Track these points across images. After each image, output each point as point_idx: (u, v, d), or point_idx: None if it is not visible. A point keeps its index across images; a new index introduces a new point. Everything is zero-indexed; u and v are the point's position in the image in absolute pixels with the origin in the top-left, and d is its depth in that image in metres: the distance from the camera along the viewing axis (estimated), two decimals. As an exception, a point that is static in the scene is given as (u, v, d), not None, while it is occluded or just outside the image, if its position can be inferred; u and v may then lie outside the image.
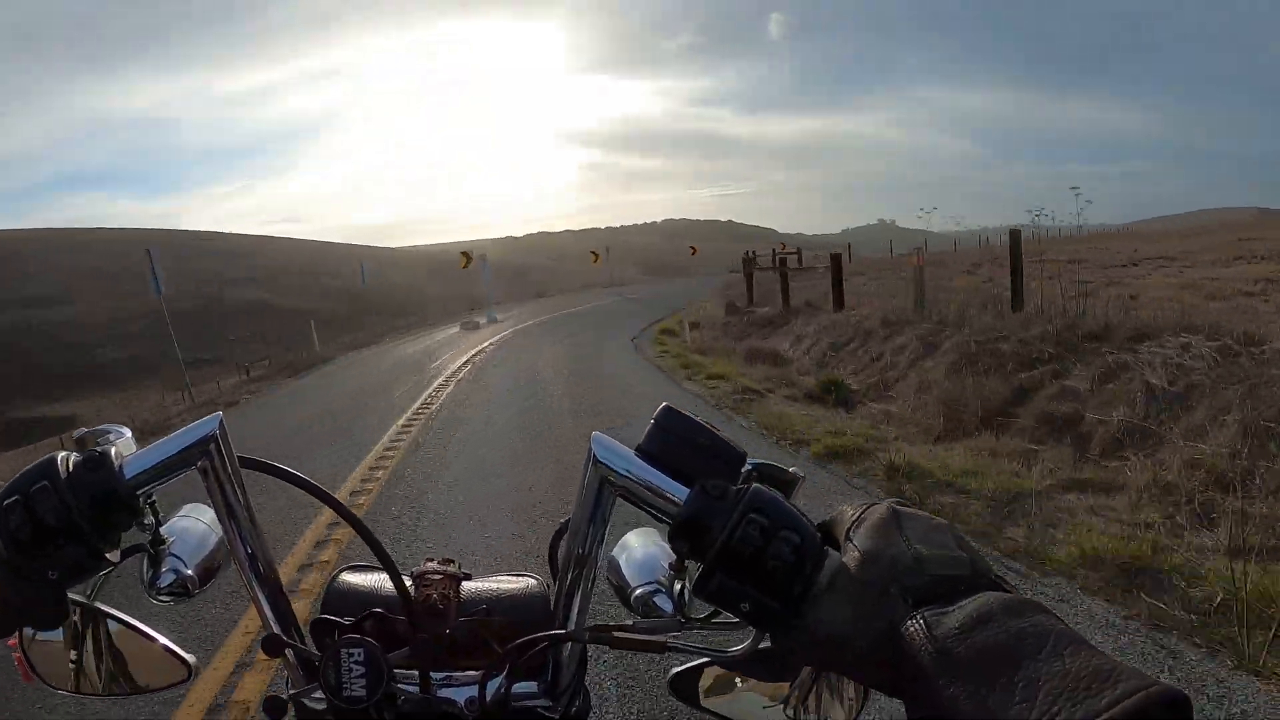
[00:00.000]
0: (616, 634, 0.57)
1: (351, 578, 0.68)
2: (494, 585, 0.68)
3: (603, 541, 0.60)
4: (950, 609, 0.41)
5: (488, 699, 0.59)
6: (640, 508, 0.56)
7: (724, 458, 0.54)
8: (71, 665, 0.64)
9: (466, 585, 0.66)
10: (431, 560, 0.67)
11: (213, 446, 0.57)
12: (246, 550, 0.60)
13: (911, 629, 0.41)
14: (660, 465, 0.54)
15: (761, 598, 0.48)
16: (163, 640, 0.63)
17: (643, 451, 0.55)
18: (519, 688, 0.61)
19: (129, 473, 0.55)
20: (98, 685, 0.66)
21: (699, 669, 0.64)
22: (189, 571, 0.60)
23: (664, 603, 0.60)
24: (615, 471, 0.55)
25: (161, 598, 0.60)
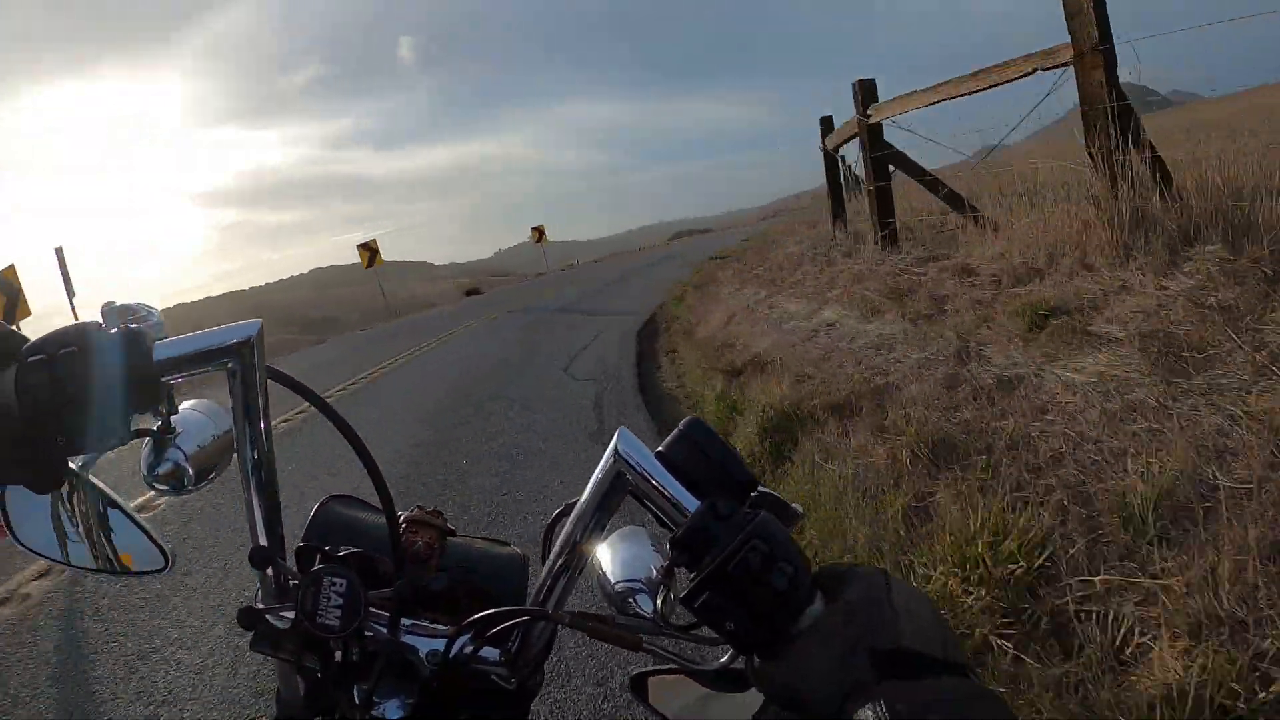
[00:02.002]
0: (596, 624, 0.57)
1: (338, 508, 0.70)
2: (477, 546, 0.70)
3: (602, 531, 0.60)
4: (918, 683, 0.41)
5: (450, 656, 0.60)
6: (645, 507, 0.56)
7: (737, 479, 0.55)
8: (53, 532, 0.64)
9: (451, 540, 0.69)
10: (420, 508, 0.70)
11: (247, 350, 0.58)
12: (254, 457, 0.61)
13: (874, 692, 0.41)
14: (676, 473, 0.55)
15: (747, 622, 0.48)
16: (146, 527, 0.63)
17: (663, 456, 0.56)
18: (481, 652, 0.61)
19: (158, 356, 0.55)
20: (78, 558, 0.65)
21: (662, 675, 0.65)
22: (187, 466, 0.60)
23: (644, 603, 0.60)
24: (633, 468, 0.55)
25: (158, 485, 0.60)
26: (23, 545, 0.63)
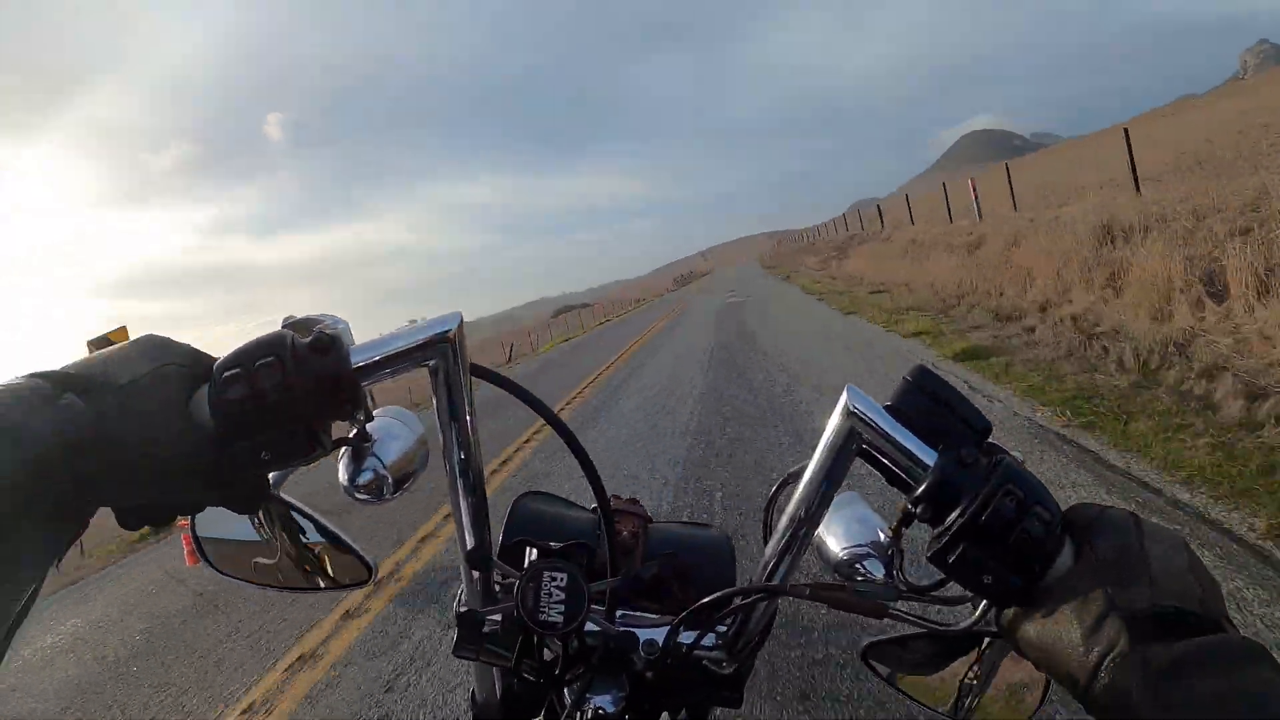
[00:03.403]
0: (836, 594, 0.55)
1: (534, 504, 0.69)
2: (680, 530, 0.70)
3: (831, 499, 0.56)
4: (1173, 646, 0.39)
5: (670, 645, 0.59)
6: (878, 467, 0.54)
7: (972, 425, 0.52)
8: (246, 553, 0.62)
9: (653, 527, 0.68)
10: (617, 497, 0.68)
11: (449, 346, 0.54)
12: (460, 457, 0.59)
13: (1129, 658, 0.39)
14: (910, 425, 0.52)
15: (1004, 573, 0.46)
16: (346, 540, 0.62)
17: (893, 409, 0.52)
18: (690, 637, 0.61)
19: (355, 361, 0.52)
20: (276, 577, 0.63)
21: (901, 641, 0.62)
22: (387, 474, 0.57)
23: (874, 567, 0.59)
24: (867, 425, 0.52)
25: (359, 495, 0.58)
26: (218, 570, 0.62)
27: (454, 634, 0.62)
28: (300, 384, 0.49)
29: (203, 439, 0.48)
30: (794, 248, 55.43)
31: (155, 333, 0.52)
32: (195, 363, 0.51)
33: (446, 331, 0.54)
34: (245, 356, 0.49)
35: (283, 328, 0.55)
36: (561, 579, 0.57)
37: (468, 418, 0.58)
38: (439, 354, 0.55)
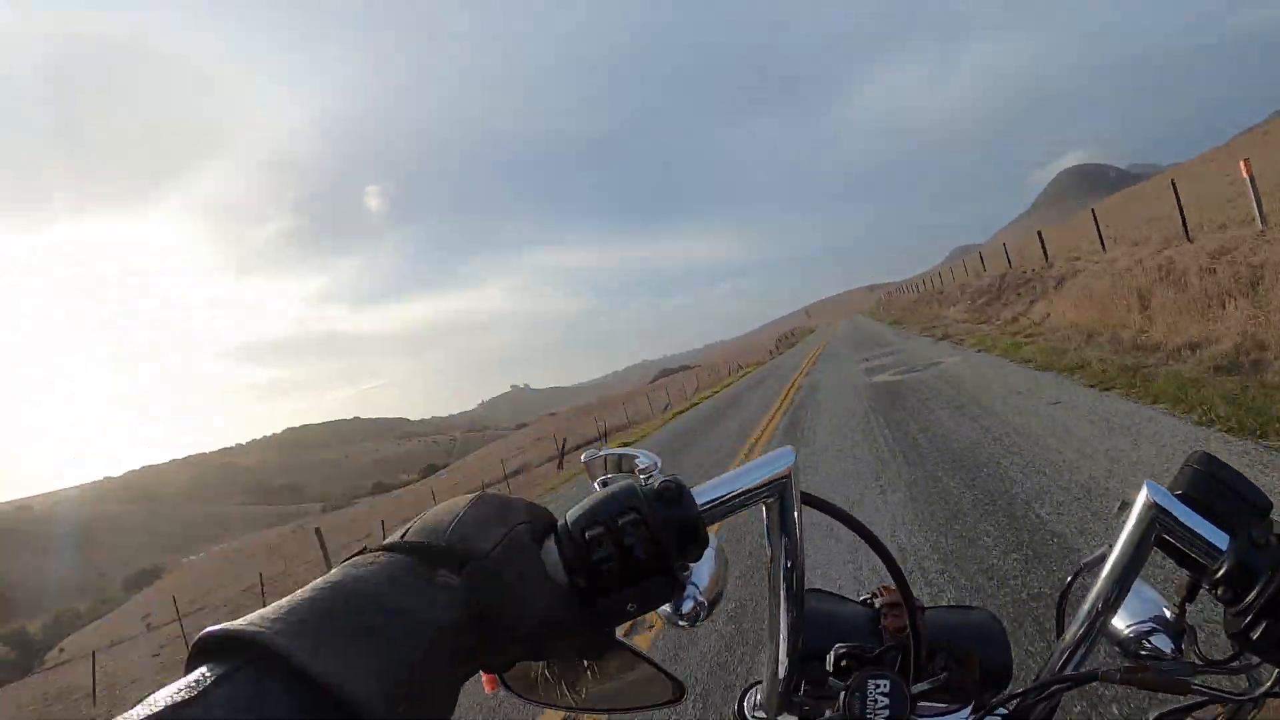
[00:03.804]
0: (1143, 675, 0.56)
1: (812, 603, 0.68)
2: (954, 617, 0.69)
3: (1129, 588, 0.58)
4: None
5: None
6: (1170, 551, 0.56)
7: (1255, 504, 0.55)
8: (549, 678, 0.62)
9: (928, 615, 0.68)
10: (885, 588, 0.69)
11: (786, 482, 0.57)
12: (787, 579, 0.61)
13: None
14: (1199, 510, 0.55)
15: None
16: (651, 659, 0.61)
17: (1185, 496, 0.55)
18: None
19: (700, 502, 0.54)
20: (579, 699, 0.63)
21: (1186, 710, 0.63)
22: (704, 600, 0.59)
23: (1162, 643, 0.61)
24: (1165, 515, 0.55)
25: (680, 623, 0.59)
26: (519, 695, 0.62)
27: None
28: (663, 535, 0.50)
29: (564, 597, 0.49)
30: (909, 299, 49.59)
31: (487, 491, 0.53)
32: (536, 518, 0.52)
33: (786, 470, 0.58)
34: (603, 513, 0.51)
35: (586, 462, 0.63)
36: (884, 684, 0.59)
37: (799, 550, 0.61)
38: (777, 490, 0.58)
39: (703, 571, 0.59)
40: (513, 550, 0.48)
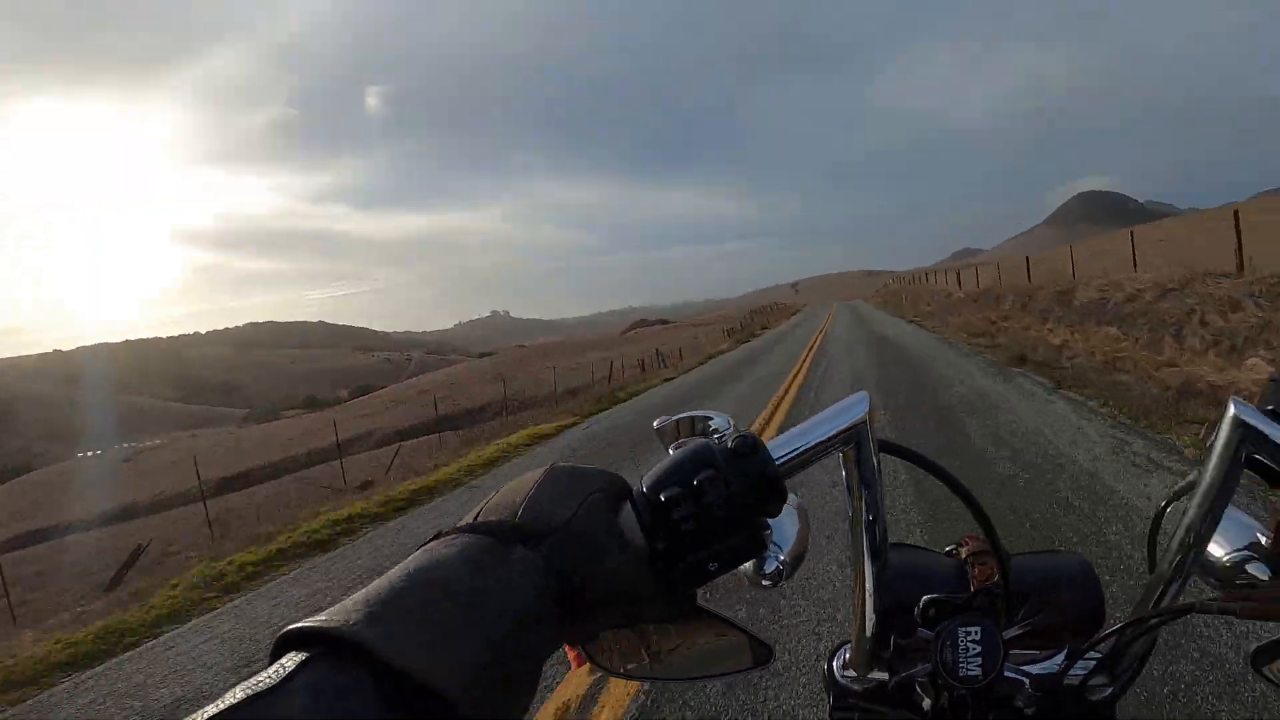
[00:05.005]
0: (1245, 603, 0.54)
1: (895, 557, 0.66)
2: (1041, 562, 0.67)
3: (1222, 516, 0.57)
4: None
5: (1060, 682, 0.59)
6: (1263, 473, 0.55)
7: None
8: (630, 649, 0.60)
9: (1015, 562, 0.65)
10: (971, 538, 0.68)
11: (863, 429, 0.57)
12: (869, 529, 0.60)
13: None
14: None
15: None
16: (738, 624, 0.60)
17: (1273, 413, 0.54)
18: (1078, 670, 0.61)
19: (776, 458, 0.53)
20: (664, 669, 0.61)
21: None
22: (787, 558, 0.57)
23: (1258, 569, 0.60)
24: (1253, 434, 0.53)
25: (764, 583, 0.58)
26: (607, 670, 0.60)
27: (828, 698, 0.67)
28: (740, 490, 0.50)
29: (643, 560, 0.49)
30: (924, 291, 39.82)
31: (559, 463, 0.52)
32: (610, 483, 0.51)
33: (859, 416, 0.58)
34: (678, 472, 0.50)
35: (658, 428, 0.64)
36: (975, 632, 0.58)
37: (879, 498, 0.60)
38: (854, 438, 0.58)
39: (784, 529, 0.58)
40: (589, 519, 0.48)
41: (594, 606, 0.47)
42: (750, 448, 0.51)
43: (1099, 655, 0.61)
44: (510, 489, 0.50)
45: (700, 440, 0.53)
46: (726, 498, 0.49)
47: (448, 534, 0.46)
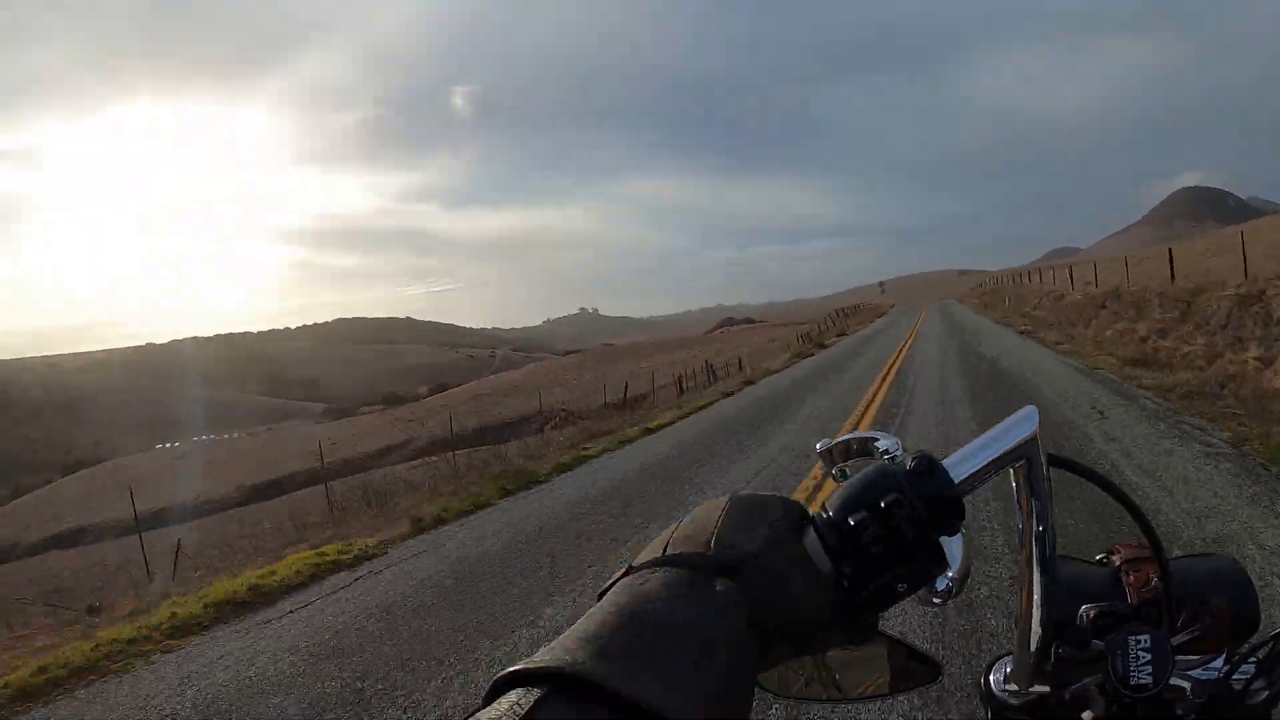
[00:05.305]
0: None
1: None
2: (1197, 566, 0.66)
3: None
4: None
5: (1222, 688, 0.59)
6: None
7: None
8: (798, 669, 0.62)
9: (1172, 566, 0.65)
10: (1129, 544, 0.67)
11: (1034, 445, 0.57)
12: (1044, 550, 0.60)
13: None
14: None
15: None
16: (910, 642, 0.62)
17: None
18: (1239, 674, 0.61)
19: (955, 477, 0.54)
20: (836, 689, 0.63)
21: None
22: (955, 576, 0.55)
23: None
24: None
25: (935, 600, 0.56)
26: (778, 694, 0.62)
27: (985, 712, 0.66)
28: (924, 511, 0.51)
29: (827, 586, 0.49)
30: (1030, 293, 32.45)
31: (739, 492, 0.53)
32: (789, 510, 0.52)
33: (1029, 432, 0.57)
34: (865, 495, 0.51)
35: (821, 450, 0.64)
36: (1145, 640, 0.58)
37: (1050, 514, 0.60)
38: (1026, 453, 0.58)
39: (950, 547, 0.57)
40: (779, 547, 0.48)
41: (784, 633, 0.47)
42: (929, 468, 0.52)
43: (1256, 659, 0.61)
44: (695, 519, 0.50)
45: (879, 464, 0.53)
46: (912, 519, 0.50)
47: (640, 568, 0.46)
